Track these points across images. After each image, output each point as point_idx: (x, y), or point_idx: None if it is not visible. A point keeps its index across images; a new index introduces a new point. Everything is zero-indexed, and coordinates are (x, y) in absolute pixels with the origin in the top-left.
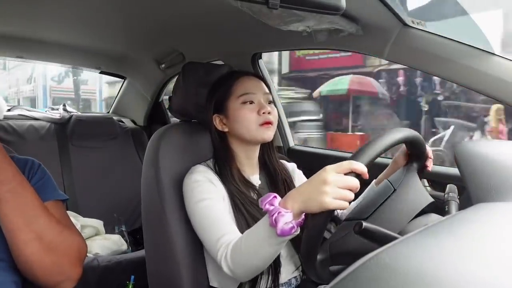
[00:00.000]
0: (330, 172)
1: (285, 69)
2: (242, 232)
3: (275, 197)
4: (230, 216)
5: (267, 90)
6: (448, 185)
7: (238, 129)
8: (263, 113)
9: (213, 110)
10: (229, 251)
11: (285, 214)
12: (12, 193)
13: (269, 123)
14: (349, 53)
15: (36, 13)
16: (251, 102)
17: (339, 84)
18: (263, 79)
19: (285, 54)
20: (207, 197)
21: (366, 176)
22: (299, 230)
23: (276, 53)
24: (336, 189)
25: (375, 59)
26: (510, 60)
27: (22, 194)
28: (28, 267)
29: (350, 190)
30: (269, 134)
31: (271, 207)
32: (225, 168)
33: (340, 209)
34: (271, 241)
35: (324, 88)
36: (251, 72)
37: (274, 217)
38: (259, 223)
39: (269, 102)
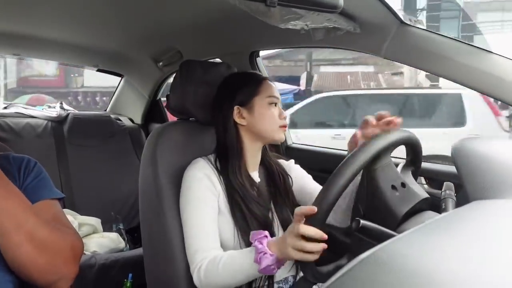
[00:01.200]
0: (294, 225)
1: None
2: (238, 227)
3: (266, 236)
4: (215, 226)
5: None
6: (444, 183)
7: (260, 125)
8: (283, 117)
9: (236, 101)
10: (205, 266)
11: (270, 257)
12: (3, 198)
13: (286, 126)
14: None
15: (33, 10)
16: (276, 105)
17: (23, 99)
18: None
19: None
20: (200, 200)
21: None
22: (278, 271)
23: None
24: (300, 243)
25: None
26: (508, 58)
27: (10, 197)
28: (22, 268)
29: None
30: (283, 135)
31: (259, 246)
32: (233, 160)
33: (308, 261)
34: (250, 273)
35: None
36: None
37: (259, 256)
38: (244, 253)
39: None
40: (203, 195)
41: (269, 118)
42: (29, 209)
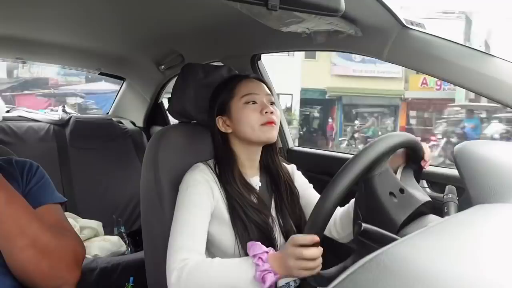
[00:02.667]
0: (290, 247)
1: None
2: (237, 235)
3: (266, 252)
4: (204, 230)
5: (268, 92)
6: (447, 187)
7: (242, 129)
8: (266, 112)
9: (217, 111)
10: (189, 268)
11: (274, 276)
12: (4, 201)
13: (272, 122)
14: None
15: (35, 14)
16: (254, 102)
17: None
18: (264, 81)
19: None
20: (195, 205)
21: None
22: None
23: None
24: (302, 263)
25: None
26: (509, 61)
27: (14, 201)
28: (25, 273)
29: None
30: (273, 133)
31: (261, 264)
32: (226, 169)
33: (308, 275)
34: (245, 286)
35: None
36: (253, 75)
37: (264, 275)
38: (241, 265)
39: (271, 103)
40: (199, 198)
41: (246, 119)
42: (32, 214)
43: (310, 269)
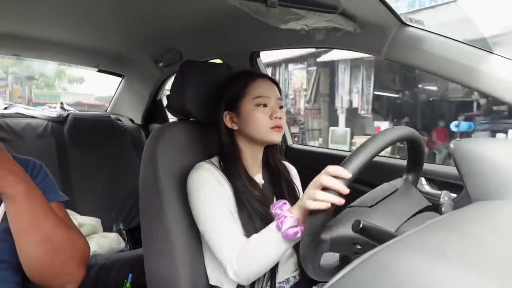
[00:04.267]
0: (318, 177)
1: None
2: (246, 228)
3: (285, 203)
4: (234, 217)
5: (279, 95)
6: (442, 191)
7: (249, 129)
8: (275, 117)
9: (224, 107)
10: (236, 256)
11: (290, 218)
12: (24, 193)
13: (279, 127)
14: None
15: (33, 11)
16: (265, 105)
17: None
18: (277, 82)
19: None
20: (214, 198)
21: (348, 177)
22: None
23: None
24: (315, 191)
25: None
26: (508, 59)
27: (32, 194)
28: (37, 269)
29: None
30: (278, 136)
31: (279, 212)
32: (232, 165)
33: (321, 210)
34: (276, 244)
35: None
36: (266, 75)
37: (280, 221)
38: (268, 227)
39: (280, 107)
40: (217, 194)
41: (256, 121)
42: (49, 209)
43: (319, 207)
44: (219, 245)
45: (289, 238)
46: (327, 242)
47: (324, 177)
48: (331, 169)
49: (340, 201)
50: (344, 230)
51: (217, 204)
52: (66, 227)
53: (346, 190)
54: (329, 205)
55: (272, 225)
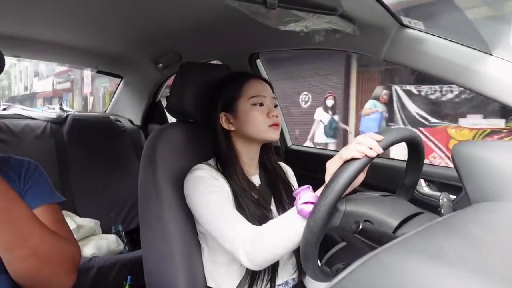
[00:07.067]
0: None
1: None
2: None
3: (308, 187)
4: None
5: (273, 95)
6: (442, 193)
7: (247, 128)
8: (272, 116)
9: (220, 108)
10: (251, 236)
11: (307, 192)
12: (6, 212)
13: (277, 125)
14: None
15: (33, 12)
16: (261, 105)
17: None
18: (269, 82)
19: None
20: (215, 190)
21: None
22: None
23: None
24: (354, 145)
25: None
26: (507, 60)
27: (16, 211)
28: (25, 280)
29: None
30: (276, 134)
31: (299, 191)
32: (229, 165)
33: (354, 158)
34: (293, 223)
35: None
36: (260, 75)
37: (299, 195)
38: (288, 211)
39: (275, 106)
40: (216, 188)
41: (253, 121)
42: (34, 223)
43: (358, 151)
44: (228, 230)
45: (304, 215)
46: (340, 213)
47: (360, 136)
48: (368, 134)
49: (373, 153)
50: (358, 206)
51: (219, 195)
52: (53, 237)
53: (379, 149)
54: (363, 154)
55: (293, 209)
